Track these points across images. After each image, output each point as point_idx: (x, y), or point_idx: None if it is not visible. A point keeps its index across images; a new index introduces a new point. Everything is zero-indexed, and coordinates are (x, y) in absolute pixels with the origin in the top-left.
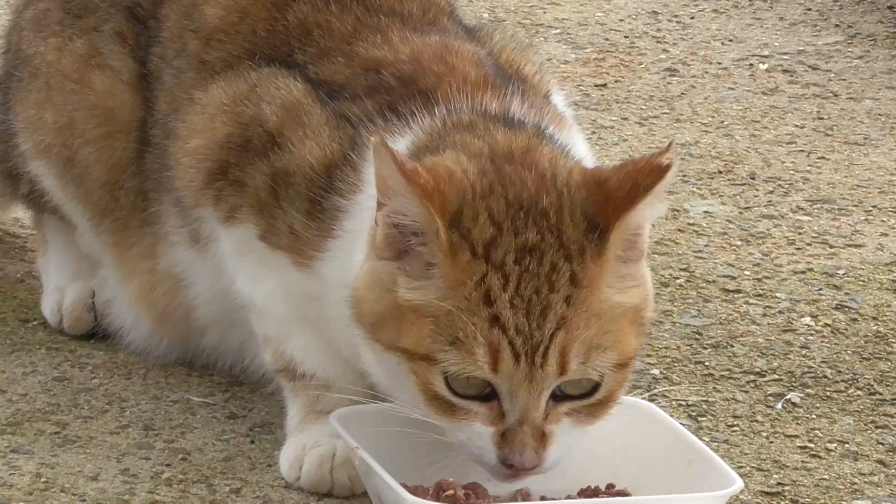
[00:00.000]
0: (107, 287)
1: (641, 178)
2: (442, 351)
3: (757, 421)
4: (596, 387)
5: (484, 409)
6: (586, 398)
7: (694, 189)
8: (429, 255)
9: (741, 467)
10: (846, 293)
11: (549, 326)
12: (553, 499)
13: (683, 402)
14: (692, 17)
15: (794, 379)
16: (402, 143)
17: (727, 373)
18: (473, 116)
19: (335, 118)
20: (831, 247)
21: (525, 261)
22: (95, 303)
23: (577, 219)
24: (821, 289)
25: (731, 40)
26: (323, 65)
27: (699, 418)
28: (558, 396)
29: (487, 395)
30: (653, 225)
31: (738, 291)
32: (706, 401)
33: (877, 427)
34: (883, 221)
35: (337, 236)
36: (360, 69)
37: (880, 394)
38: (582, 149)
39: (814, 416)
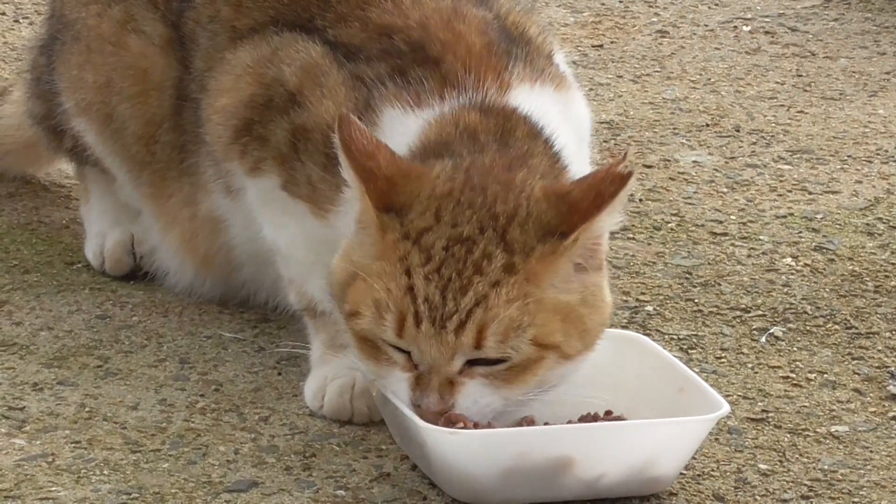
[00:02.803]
0: (150, 237)
1: (604, 186)
2: (364, 307)
3: (743, 353)
4: (508, 358)
5: (402, 359)
6: (497, 364)
7: (683, 141)
8: (368, 233)
9: (728, 395)
10: (824, 236)
11: (465, 301)
12: (556, 424)
13: (675, 336)
14: None
15: (776, 314)
16: (416, 123)
17: (715, 309)
18: (479, 121)
19: (351, 79)
20: (810, 193)
21: (454, 247)
22: (135, 247)
23: (529, 227)
24: (801, 232)
25: (717, 4)
26: (340, 28)
27: (689, 351)
28: (472, 362)
29: (404, 350)
30: (645, 175)
31: (725, 234)
32: (696, 335)
33: (853, 359)
34: (857, 170)
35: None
36: (373, 33)
37: (856, 328)
38: (581, 106)
39: (795, 349)
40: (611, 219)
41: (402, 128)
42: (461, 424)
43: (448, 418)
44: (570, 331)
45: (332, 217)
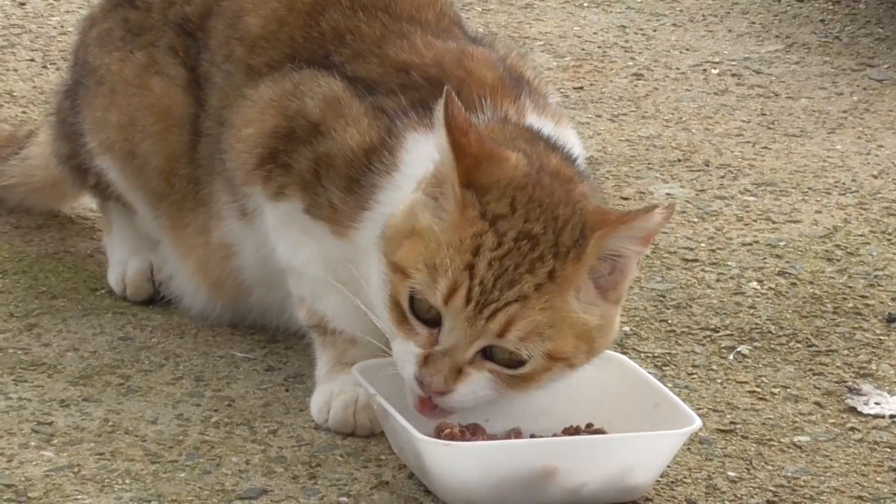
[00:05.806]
0: (167, 265)
1: (633, 213)
2: (416, 269)
3: (712, 370)
4: (521, 363)
5: (425, 333)
6: (509, 369)
7: (657, 175)
8: (446, 203)
9: (699, 409)
10: (787, 261)
11: (509, 295)
12: (541, 436)
13: (650, 354)
14: (655, 30)
15: (743, 334)
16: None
17: (687, 329)
18: (524, 130)
19: (372, 110)
20: (774, 223)
21: (522, 241)
22: (154, 274)
23: (576, 230)
24: (765, 258)
25: (687, 49)
26: (358, 64)
27: (663, 368)
28: (488, 356)
29: (434, 322)
30: (623, 206)
31: (696, 261)
32: (669, 353)
33: (814, 374)
34: (817, 201)
35: (370, 208)
36: (391, 69)
37: (816, 346)
38: (575, 145)
39: (760, 366)
40: (630, 244)
41: (426, 149)
42: (448, 430)
43: (439, 427)
44: (581, 347)
45: (353, 234)
